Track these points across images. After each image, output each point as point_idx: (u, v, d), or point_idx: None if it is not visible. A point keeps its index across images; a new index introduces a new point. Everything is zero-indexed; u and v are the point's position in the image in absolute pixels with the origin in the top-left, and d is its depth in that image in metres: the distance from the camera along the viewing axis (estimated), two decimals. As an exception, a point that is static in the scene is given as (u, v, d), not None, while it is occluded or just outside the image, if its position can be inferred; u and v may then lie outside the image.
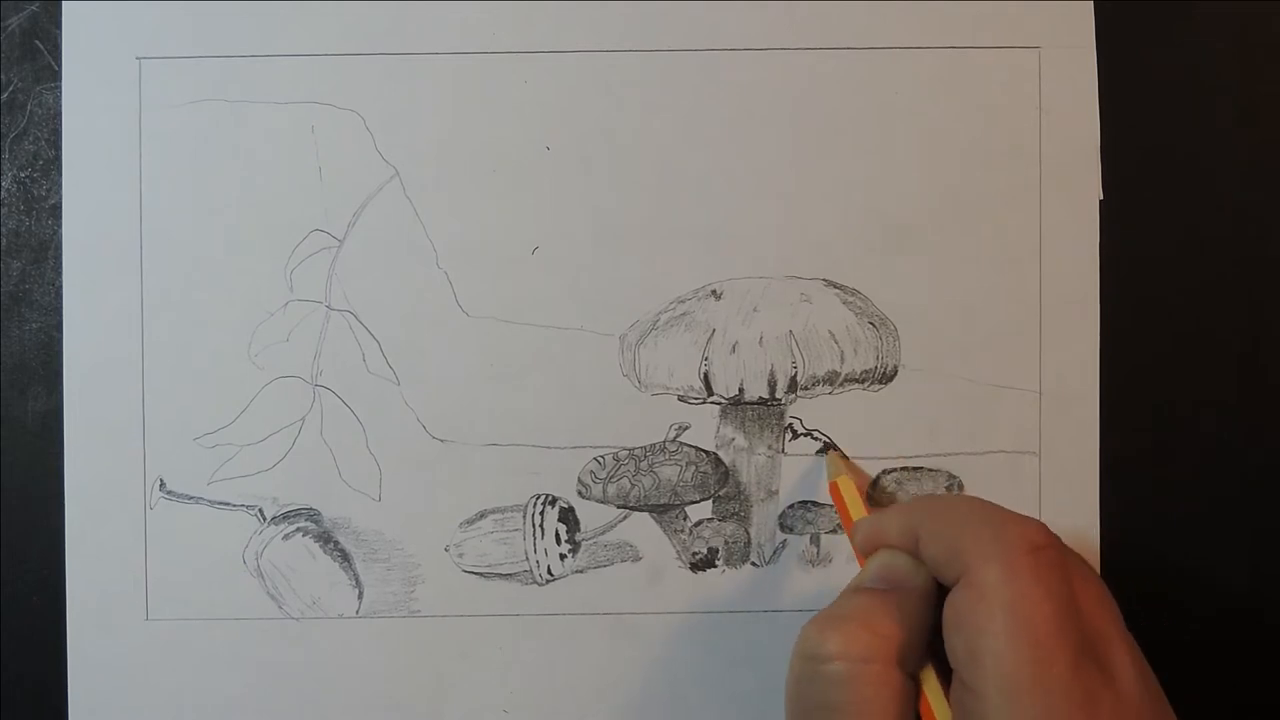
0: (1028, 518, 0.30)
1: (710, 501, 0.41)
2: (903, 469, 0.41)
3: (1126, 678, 0.28)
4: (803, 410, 0.41)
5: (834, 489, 0.38)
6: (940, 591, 0.30)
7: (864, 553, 0.33)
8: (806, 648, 0.29)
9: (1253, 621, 0.41)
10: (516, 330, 0.41)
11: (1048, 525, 0.30)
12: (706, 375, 0.41)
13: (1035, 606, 0.27)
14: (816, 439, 0.40)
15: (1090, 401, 0.41)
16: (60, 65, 0.40)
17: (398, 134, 0.41)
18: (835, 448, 0.40)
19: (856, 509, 0.36)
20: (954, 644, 0.28)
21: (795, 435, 0.41)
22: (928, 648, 0.30)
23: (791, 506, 0.41)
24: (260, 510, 0.40)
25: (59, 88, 0.40)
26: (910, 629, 0.30)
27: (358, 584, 0.41)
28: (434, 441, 0.41)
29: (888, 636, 0.29)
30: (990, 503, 0.31)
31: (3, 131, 0.41)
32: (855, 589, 0.31)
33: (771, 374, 0.41)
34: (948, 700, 0.29)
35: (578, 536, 0.41)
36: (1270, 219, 0.41)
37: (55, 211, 0.40)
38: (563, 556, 0.41)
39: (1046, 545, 0.29)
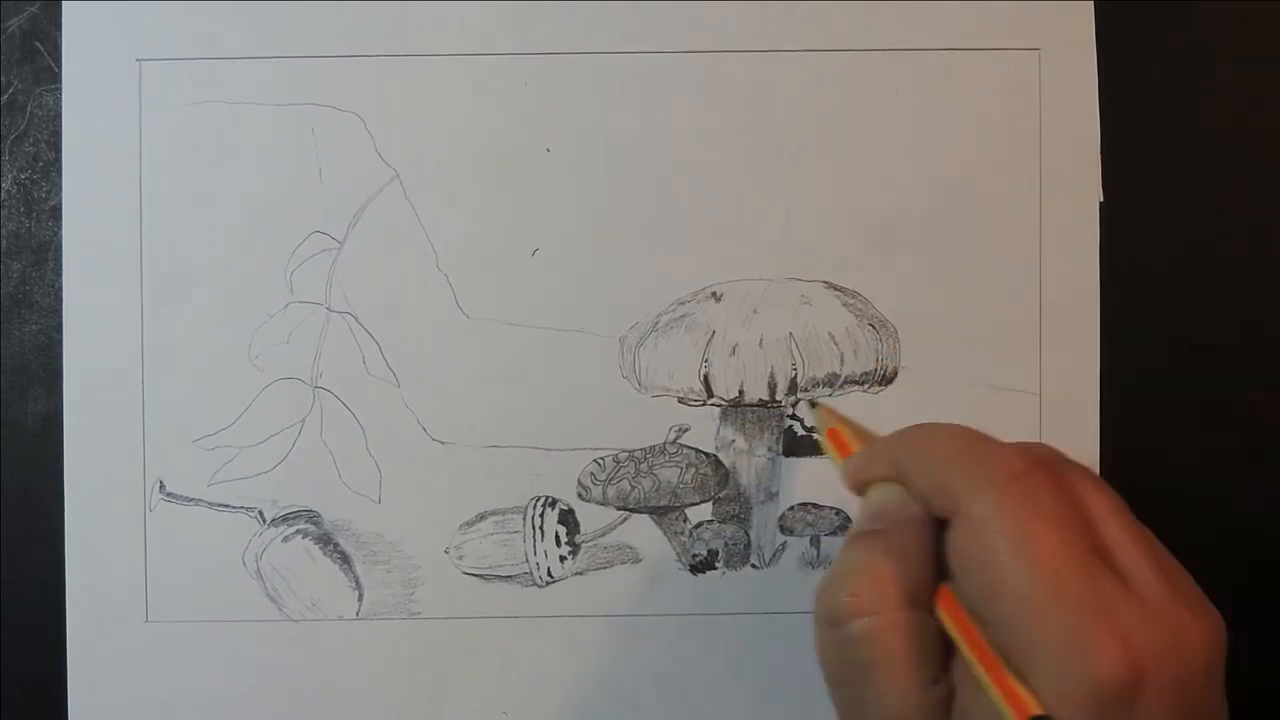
0: (1012, 444, 0.29)
1: (710, 503, 0.41)
2: (903, 471, 0.41)
3: (1145, 579, 0.27)
4: (803, 412, 0.41)
5: (833, 435, 0.36)
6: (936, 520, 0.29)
7: (855, 491, 0.32)
8: (821, 612, 0.29)
9: (1251, 621, 0.41)
10: (517, 332, 0.41)
11: (1038, 444, 0.29)
12: (706, 377, 0.41)
13: (1032, 531, 0.27)
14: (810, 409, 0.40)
15: (1090, 404, 0.40)
16: (60, 67, 0.40)
17: (398, 136, 0.41)
18: (818, 403, 0.39)
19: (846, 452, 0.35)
20: (965, 584, 0.28)
21: (795, 437, 0.41)
22: (936, 576, 0.29)
23: (791, 508, 0.41)
24: (260, 512, 0.40)
25: (59, 89, 0.40)
26: (912, 565, 0.29)
27: (358, 586, 0.41)
28: (434, 443, 0.41)
29: (891, 580, 0.28)
30: (970, 430, 0.30)
31: (3, 133, 0.41)
32: (854, 535, 0.31)
33: (771, 376, 0.41)
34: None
35: (578, 538, 0.41)
36: (1270, 219, 0.41)
37: (55, 213, 0.40)
38: (563, 558, 0.41)
39: (1029, 469, 0.28)
